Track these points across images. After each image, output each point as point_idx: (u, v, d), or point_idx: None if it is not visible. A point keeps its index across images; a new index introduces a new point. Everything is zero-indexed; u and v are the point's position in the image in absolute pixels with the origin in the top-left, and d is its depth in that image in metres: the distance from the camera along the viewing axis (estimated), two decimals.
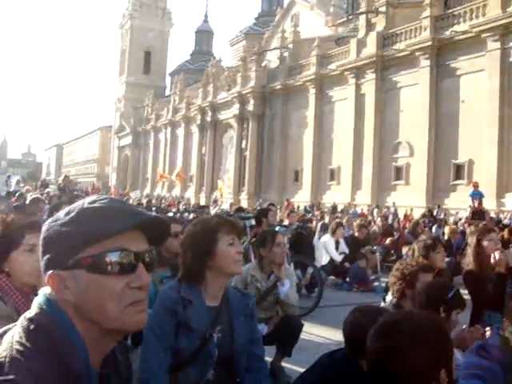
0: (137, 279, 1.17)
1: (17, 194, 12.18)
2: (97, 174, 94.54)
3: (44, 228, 1.20)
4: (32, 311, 1.16)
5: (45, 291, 1.19)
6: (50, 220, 1.22)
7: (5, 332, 1.14)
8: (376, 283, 10.55)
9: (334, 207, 27.75)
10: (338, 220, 13.25)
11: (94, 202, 1.21)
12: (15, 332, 1.11)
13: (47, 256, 1.17)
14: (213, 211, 16.54)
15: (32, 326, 1.11)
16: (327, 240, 11.13)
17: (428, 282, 3.79)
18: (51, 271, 1.16)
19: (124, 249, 1.16)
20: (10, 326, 1.16)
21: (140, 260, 1.19)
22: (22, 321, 1.13)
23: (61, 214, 1.20)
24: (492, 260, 4.70)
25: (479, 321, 4.39)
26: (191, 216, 11.72)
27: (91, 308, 1.15)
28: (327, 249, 10.96)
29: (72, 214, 1.18)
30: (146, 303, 1.21)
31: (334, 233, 11.24)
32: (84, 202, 1.21)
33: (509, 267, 4.71)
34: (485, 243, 4.89)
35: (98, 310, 1.15)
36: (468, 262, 5.02)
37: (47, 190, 17.70)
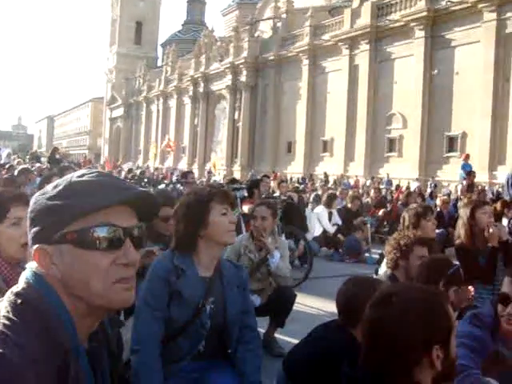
0: (123, 256, 1.14)
1: (7, 166, 12.06)
2: (89, 146, 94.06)
3: (32, 201, 1.18)
4: (19, 286, 1.14)
5: (32, 266, 1.17)
6: (37, 193, 1.19)
7: None
8: (367, 254, 10.59)
9: (326, 178, 27.73)
10: (331, 192, 13.25)
11: (82, 175, 1.18)
12: (2, 306, 1.08)
13: (34, 230, 1.15)
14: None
15: (19, 301, 1.09)
16: (320, 211, 11.14)
17: (428, 256, 3.79)
18: (37, 246, 1.13)
19: (111, 224, 1.13)
20: None
21: (127, 236, 1.16)
22: (9, 295, 1.11)
23: (49, 188, 1.17)
24: (485, 233, 4.69)
25: None
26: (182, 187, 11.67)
27: (77, 284, 1.12)
28: (320, 220, 10.97)
29: (59, 188, 1.15)
30: (134, 280, 1.18)
31: (327, 204, 11.25)
32: (73, 176, 1.18)
33: (501, 241, 4.70)
34: (478, 216, 4.86)
35: (83, 286, 1.12)
36: (459, 233, 5.00)
37: (38, 164, 17.55)
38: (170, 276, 2.73)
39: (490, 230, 4.67)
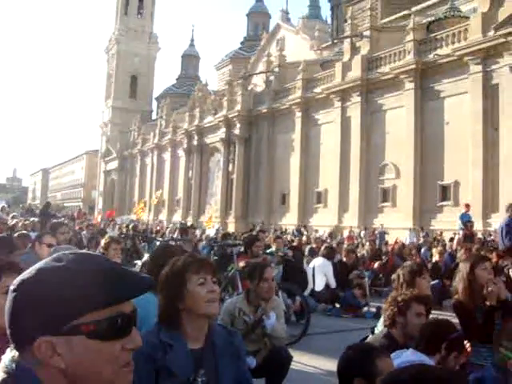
0: (131, 341, 1.15)
1: (10, 224, 11.94)
2: (83, 199, 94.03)
3: (27, 284, 1.11)
4: None
5: (12, 356, 1.12)
6: (34, 275, 1.12)
7: None
8: (366, 308, 10.49)
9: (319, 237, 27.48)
10: (329, 244, 13.21)
11: (87, 260, 1.16)
12: None
13: (35, 319, 1.08)
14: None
15: None
16: (324, 263, 10.91)
17: (425, 313, 3.77)
18: (42, 338, 1.07)
19: (123, 313, 1.13)
20: None
21: (133, 321, 1.17)
22: None
23: (51, 271, 1.12)
24: (485, 291, 4.65)
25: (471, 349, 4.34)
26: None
27: (86, 373, 1.10)
28: (326, 273, 10.78)
29: (68, 275, 1.10)
30: (133, 363, 1.18)
31: (327, 256, 11.12)
32: (76, 261, 1.14)
33: (500, 300, 4.65)
34: (478, 272, 4.82)
35: (93, 374, 1.10)
36: (457, 289, 4.97)
37: (32, 218, 17.49)
38: (156, 352, 2.64)
39: (489, 289, 4.63)
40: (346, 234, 27.38)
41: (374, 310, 10.08)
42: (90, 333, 1.09)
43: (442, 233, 22.76)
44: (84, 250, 1.33)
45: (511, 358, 2.65)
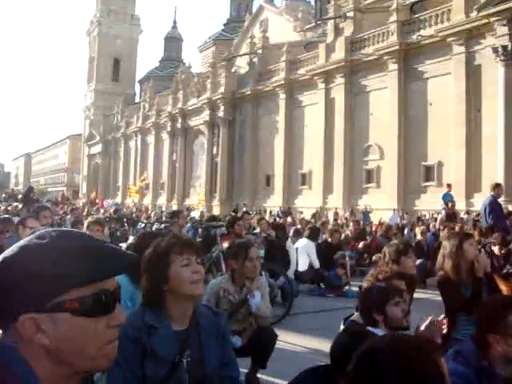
0: (116, 318, 1.14)
1: None
2: (67, 183, 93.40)
3: (9, 262, 1.09)
4: None
5: None
6: (17, 252, 1.11)
7: None
8: (347, 287, 10.58)
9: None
10: (313, 225, 13.24)
11: (69, 237, 1.15)
12: None
13: (18, 296, 1.06)
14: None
15: None
16: (308, 244, 10.97)
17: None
18: (25, 315, 1.06)
19: (107, 290, 1.12)
20: None
21: (117, 298, 1.16)
22: None
23: (34, 248, 1.10)
24: (476, 265, 4.73)
25: (453, 325, 4.42)
26: (163, 226, 11.54)
27: (69, 350, 1.09)
28: (309, 253, 10.84)
29: (50, 251, 1.09)
30: (117, 340, 1.18)
31: (312, 237, 11.20)
32: (58, 237, 1.13)
33: (485, 273, 4.76)
34: (466, 248, 4.90)
35: (77, 351, 1.09)
36: (441, 265, 5.03)
37: (15, 203, 17.32)
38: (141, 334, 2.64)
39: (480, 261, 4.73)
40: (330, 215, 27.52)
41: (356, 289, 10.16)
42: (74, 309, 1.08)
43: (425, 215, 22.98)
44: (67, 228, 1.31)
45: None
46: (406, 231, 16.96)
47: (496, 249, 8.24)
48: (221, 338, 2.84)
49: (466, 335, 4.27)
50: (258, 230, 10.95)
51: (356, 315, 4.17)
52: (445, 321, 3.31)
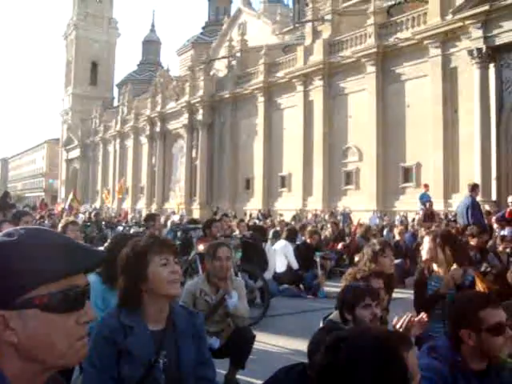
0: (85, 315, 1.14)
1: None
2: (45, 189, 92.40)
3: None
4: None
5: None
6: None
7: None
8: (325, 288, 10.58)
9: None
10: (292, 226, 13.25)
11: (36, 235, 1.14)
12: None
13: None
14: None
15: None
16: (285, 245, 11.00)
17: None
18: None
19: (77, 286, 1.12)
20: None
21: (87, 295, 1.16)
22: None
23: (2, 245, 1.10)
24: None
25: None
26: (141, 229, 11.47)
27: (39, 347, 1.08)
28: (287, 255, 10.87)
29: (20, 248, 1.08)
30: (87, 337, 1.18)
31: (290, 239, 11.22)
32: (26, 234, 1.13)
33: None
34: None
35: (46, 348, 1.08)
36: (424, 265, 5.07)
37: None
38: (117, 335, 2.62)
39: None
40: (310, 217, 27.59)
41: (333, 289, 10.16)
42: (44, 305, 1.07)
43: (403, 216, 23.16)
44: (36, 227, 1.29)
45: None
46: (385, 232, 17.07)
47: (473, 242, 8.32)
48: (197, 338, 2.83)
49: (438, 332, 4.32)
50: (237, 232, 10.93)
51: (334, 314, 4.17)
52: (413, 318, 3.34)
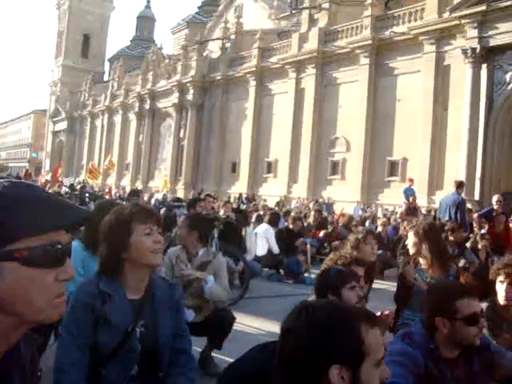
0: (65, 272, 1.13)
1: None
2: (29, 159, 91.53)
3: None
4: None
5: None
6: None
7: None
8: (306, 274, 10.66)
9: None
10: (275, 211, 13.31)
11: (16, 186, 1.12)
12: None
13: None
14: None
15: None
16: (267, 229, 11.05)
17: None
18: None
19: (59, 242, 1.11)
20: None
21: (68, 252, 1.15)
22: None
23: None
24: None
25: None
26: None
27: (17, 301, 1.07)
28: (268, 239, 10.92)
29: (2, 199, 1.07)
30: (66, 295, 1.17)
31: (272, 223, 11.27)
32: (9, 187, 1.11)
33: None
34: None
35: (25, 302, 1.07)
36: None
37: None
38: (95, 302, 2.62)
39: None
40: (293, 203, 27.69)
41: (314, 276, 10.24)
42: (24, 259, 1.06)
43: (386, 209, 23.31)
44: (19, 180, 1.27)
45: None
46: (367, 223, 17.18)
47: (452, 238, 8.43)
48: (175, 310, 2.84)
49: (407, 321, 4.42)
50: (221, 213, 10.96)
51: (312, 298, 4.20)
52: (388, 312, 3.40)
